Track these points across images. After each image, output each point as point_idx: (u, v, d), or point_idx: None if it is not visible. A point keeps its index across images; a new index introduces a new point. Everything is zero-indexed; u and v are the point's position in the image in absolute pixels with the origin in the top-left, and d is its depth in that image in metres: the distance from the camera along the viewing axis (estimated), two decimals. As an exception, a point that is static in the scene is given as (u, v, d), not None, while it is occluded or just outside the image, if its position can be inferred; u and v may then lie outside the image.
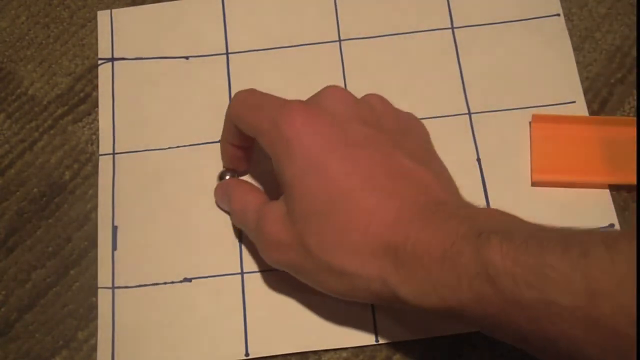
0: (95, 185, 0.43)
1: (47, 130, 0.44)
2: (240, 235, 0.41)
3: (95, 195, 0.43)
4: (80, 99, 0.45)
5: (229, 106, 0.39)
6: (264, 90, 0.44)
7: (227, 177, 0.41)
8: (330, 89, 0.36)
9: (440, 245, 0.30)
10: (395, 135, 0.35)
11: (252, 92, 0.38)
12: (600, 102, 0.44)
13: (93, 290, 0.40)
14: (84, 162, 0.43)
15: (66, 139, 0.44)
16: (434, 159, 0.37)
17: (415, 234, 0.31)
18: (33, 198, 0.43)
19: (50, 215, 0.42)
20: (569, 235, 0.28)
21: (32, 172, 0.43)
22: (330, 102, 0.35)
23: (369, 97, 0.38)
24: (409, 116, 0.39)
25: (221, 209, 0.41)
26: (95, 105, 0.45)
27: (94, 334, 0.39)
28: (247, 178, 0.42)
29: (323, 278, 0.34)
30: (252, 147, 0.40)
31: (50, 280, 0.41)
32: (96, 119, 0.44)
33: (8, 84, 0.46)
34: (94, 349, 0.39)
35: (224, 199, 0.41)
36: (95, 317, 0.40)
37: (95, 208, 0.42)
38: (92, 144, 0.44)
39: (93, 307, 0.40)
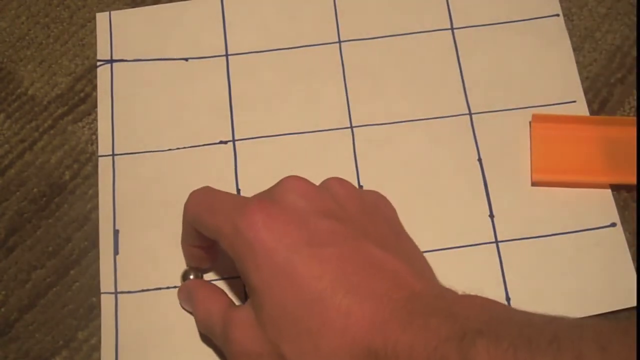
0: (95, 185, 0.43)
1: (47, 130, 0.44)
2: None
3: (95, 195, 0.43)
4: (80, 99, 0.45)
5: (185, 208, 0.37)
6: (264, 92, 0.44)
7: (191, 277, 0.40)
8: (287, 181, 0.34)
9: (423, 349, 0.28)
10: (362, 223, 0.34)
11: (207, 191, 0.37)
12: (600, 102, 0.44)
13: (93, 290, 0.40)
14: (84, 162, 0.43)
15: (66, 139, 0.44)
16: (404, 241, 0.36)
17: (395, 337, 0.29)
18: (33, 198, 0.43)
19: (50, 215, 0.42)
20: (559, 333, 0.27)
21: (32, 172, 0.43)
22: (287, 196, 0.34)
23: (329, 182, 0.36)
24: (374, 196, 0.37)
25: (187, 311, 0.40)
26: (95, 105, 0.45)
27: (94, 334, 0.39)
28: (209, 275, 0.41)
29: None
30: (214, 245, 0.38)
31: (50, 280, 0.41)
32: (96, 119, 0.44)
33: (8, 84, 0.46)
34: (94, 349, 0.39)
35: (187, 302, 0.39)
36: (95, 317, 0.40)
37: (95, 208, 0.42)
38: (92, 144, 0.44)
39: (93, 307, 0.40)
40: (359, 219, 0.34)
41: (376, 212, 0.36)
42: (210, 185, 0.42)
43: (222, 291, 0.38)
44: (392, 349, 0.29)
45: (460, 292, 0.32)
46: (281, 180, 0.35)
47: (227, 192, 0.37)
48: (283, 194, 0.34)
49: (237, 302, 0.38)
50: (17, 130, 0.44)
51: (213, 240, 0.36)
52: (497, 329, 0.28)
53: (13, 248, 0.42)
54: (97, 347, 0.39)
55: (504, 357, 0.26)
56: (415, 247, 0.36)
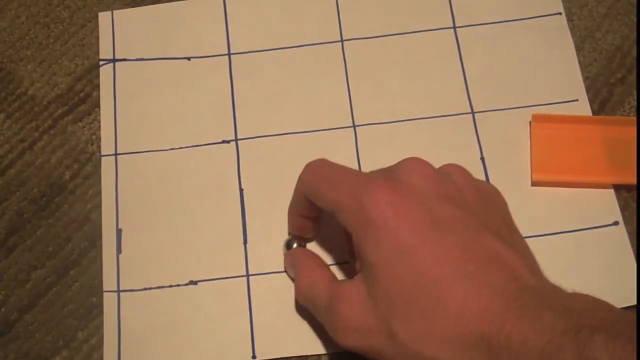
0: (95, 185, 0.43)
1: (47, 130, 0.44)
2: (245, 237, 0.41)
3: (95, 195, 0.42)
4: (80, 99, 0.45)
5: (300, 178, 0.37)
6: (267, 91, 0.44)
7: (295, 245, 0.40)
8: (410, 162, 0.35)
9: (538, 339, 0.29)
10: (480, 213, 0.34)
11: (324, 163, 0.37)
12: (600, 102, 0.44)
13: (93, 290, 0.40)
14: (84, 162, 0.43)
15: (66, 139, 0.44)
16: (516, 234, 0.36)
17: (510, 325, 0.29)
18: (33, 198, 0.42)
19: (50, 215, 0.42)
20: None
21: (32, 172, 0.43)
22: (411, 177, 0.34)
23: (449, 168, 0.36)
24: (489, 187, 0.37)
25: (290, 278, 0.40)
26: (95, 105, 0.45)
27: (94, 334, 0.39)
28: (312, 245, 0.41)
29: None
30: (321, 216, 0.39)
31: (50, 280, 0.41)
32: (96, 119, 0.44)
33: (8, 84, 0.45)
34: (94, 349, 0.39)
35: (292, 269, 0.39)
36: (95, 317, 0.40)
37: (95, 208, 0.42)
38: (92, 144, 0.44)
39: (93, 307, 0.40)
40: (478, 209, 0.34)
41: (492, 203, 0.36)
42: (213, 184, 0.42)
43: (327, 265, 0.38)
44: (506, 338, 0.29)
45: (570, 291, 0.32)
46: (403, 161, 0.35)
47: (345, 167, 0.37)
48: (407, 175, 0.34)
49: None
50: (17, 130, 0.44)
51: (321, 212, 0.37)
52: (614, 325, 0.28)
53: (13, 248, 0.41)
54: (97, 347, 0.39)
55: (622, 352, 0.27)
56: (525, 242, 0.36)
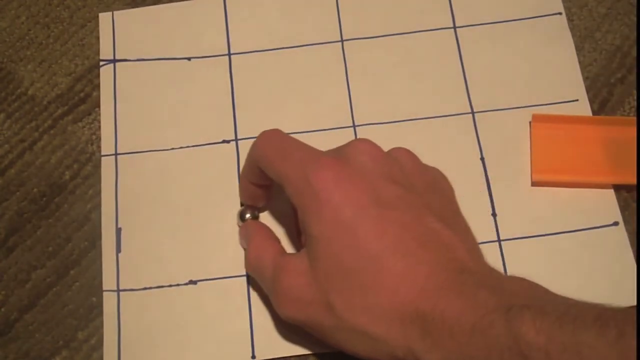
0: (95, 185, 0.43)
1: (47, 130, 0.44)
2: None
3: (95, 195, 0.42)
4: (80, 99, 0.45)
5: (254, 145, 0.38)
6: (267, 91, 0.44)
7: (248, 216, 0.40)
8: (359, 143, 0.36)
9: (471, 316, 0.30)
10: (424, 195, 0.35)
11: (278, 134, 0.38)
12: (600, 102, 0.44)
13: (93, 290, 0.40)
14: (84, 162, 0.43)
15: (66, 139, 0.44)
16: (459, 218, 0.37)
17: (444, 303, 0.31)
18: (33, 198, 0.42)
19: (50, 215, 0.42)
20: (603, 314, 0.28)
21: (32, 172, 0.43)
22: (360, 157, 0.35)
23: (397, 151, 0.37)
24: (436, 172, 0.38)
25: (244, 249, 0.40)
26: (95, 105, 0.45)
27: (94, 334, 0.39)
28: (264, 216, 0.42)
29: (342, 337, 0.34)
30: (272, 185, 0.39)
31: (50, 280, 0.41)
32: (96, 119, 0.44)
33: (8, 84, 0.45)
34: (94, 349, 0.39)
35: (244, 241, 0.40)
36: (95, 317, 0.40)
37: (95, 208, 0.42)
38: (92, 144, 0.44)
39: (93, 307, 0.40)
40: (422, 191, 0.35)
41: (438, 187, 0.37)
42: (213, 184, 0.42)
43: (277, 238, 0.39)
44: (440, 314, 0.30)
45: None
46: (353, 141, 0.36)
47: (299, 140, 0.37)
48: (355, 155, 0.35)
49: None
50: (17, 130, 0.44)
51: (271, 180, 0.37)
52: (544, 305, 0.29)
53: (13, 248, 0.41)
54: (97, 347, 0.39)
55: (549, 328, 0.28)
56: (468, 228, 0.37)
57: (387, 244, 0.32)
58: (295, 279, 0.34)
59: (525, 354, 0.28)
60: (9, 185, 0.43)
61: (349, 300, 0.33)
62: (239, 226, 0.41)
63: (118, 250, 0.41)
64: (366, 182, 0.34)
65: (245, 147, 0.43)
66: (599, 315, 0.28)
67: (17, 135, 0.44)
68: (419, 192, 0.35)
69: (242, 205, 0.41)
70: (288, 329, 0.38)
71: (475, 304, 0.30)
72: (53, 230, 0.42)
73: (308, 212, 0.34)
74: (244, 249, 0.40)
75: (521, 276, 0.33)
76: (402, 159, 0.36)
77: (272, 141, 0.37)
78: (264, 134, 0.38)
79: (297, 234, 0.40)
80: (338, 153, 0.35)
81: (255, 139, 0.38)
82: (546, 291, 0.32)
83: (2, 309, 0.40)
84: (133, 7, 0.47)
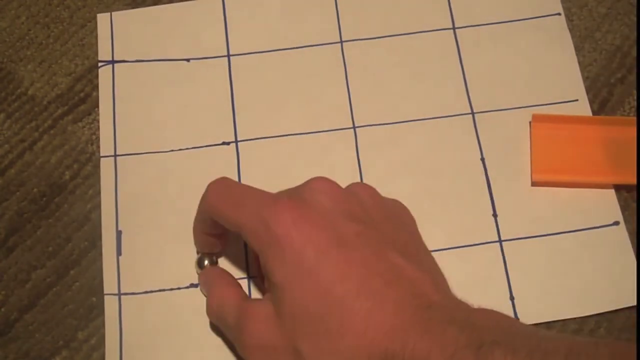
0: (95, 185, 0.43)
1: (47, 130, 0.44)
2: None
3: (95, 195, 0.42)
4: (80, 99, 0.45)
5: (203, 198, 0.37)
6: (266, 93, 0.44)
7: (206, 263, 0.40)
8: (315, 182, 0.35)
9: (440, 355, 0.29)
10: (386, 229, 0.35)
11: (226, 183, 0.37)
12: (600, 102, 0.44)
13: (93, 290, 0.40)
14: (84, 162, 0.43)
15: (66, 139, 0.44)
16: (422, 251, 0.36)
17: (413, 342, 0.30)
18: (33, 198, 0.42)
19: (50, 215, 0.42)
20: (574, 348, 0.27)
21: (32, 172, 0.43)
22: (317, 196, 0.34)
23: (355, 187, 0.36)
24: (395, 204, 0.38)
25: (205, 296, 0.40)
26: (95, 105, 0.45)
27: (94, 334, 0.39)
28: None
29: None
30: (227, 232, 0.39)
31: (50, 280, 0.41)
32: (96, 119, 0.44)
33: (8, 84, 0.45)
34: (94, 349, 0.39)
35: (205, 288, 0.39)
36: (95, 317, 0.40)
37: (95, 208, 0.42)
38: (92, 144, 0.44)
39: (93, 307, 0.40)
40: (383, 226, 0.35)
41: (398, 221, 0.36)
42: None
43: (238, 283, 0.38)
44: (410, 353, 0.30)
45: (475, 306, 0.33)
46: (309, 181, 0.35)
47: (249, 186, 0.37)
48: (312, 194, 0.34)
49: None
50: (17, 130, 0.44)
51: (225, 229, 0.37)
52: (514, 340, 0.28)
53: (13, 248, 0.41)
54: (97, 347, 0.39)
55: None
56: (432, 259, 0.36)
57: (351, 287, 0.32)
58: (260, 325, 0.33)
59: None
60: (9, 185, 0.43)
61: (316, 345, 0.32)
62: (197, 273, 0.40)
63: (119, 253, 0.41)
64: (326, 222, 0.33)
65: (245, 149, 0.43)
66: (570, 351, 0.27)
67: (17, 135, 0.44)
68: (379, 227, 0.34)
69: (198, 253, 0.41)
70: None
71: (444, 342, 0.29)
72: (53, 230, 0.42)
73: (270, 258, 0.33)
74: (205, 296, 0.39)
75: (488, 308, 0.32)
76: (361, 194, 0.36)
77: (222, 191, 0.37)
78: (212, 185, 0.37)
79: (260, 278, 0.39)
80: (295, 194, 0.35)
81: (204, 193, 0.37)
82: (514, 322, 0.31)
83: (2, 309, 0.40)
84: (133, 8, 0.47)
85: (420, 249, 0.36)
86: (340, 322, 0.31)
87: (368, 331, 0.31)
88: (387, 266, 0.33)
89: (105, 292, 0.40)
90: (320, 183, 0.35)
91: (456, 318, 0.31)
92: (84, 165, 0.43)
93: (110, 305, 0.40)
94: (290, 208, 0.33)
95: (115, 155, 0.43)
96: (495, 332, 0.30)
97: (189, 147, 0.43)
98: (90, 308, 0.40)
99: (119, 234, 0.41)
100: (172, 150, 0.43)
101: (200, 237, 0.40)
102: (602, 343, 0.28)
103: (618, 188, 0.42)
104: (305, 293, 0.32)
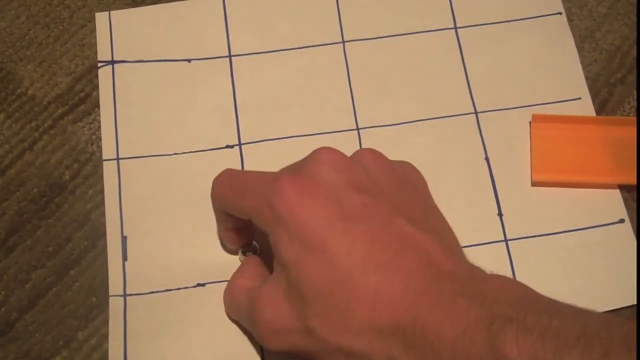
0: (95, 185, 0.42)
1: (47, 130, 0.44)
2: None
3: (95, 195, 0.42)
4: (80, 99, 0.45)
5: (213, 195, 0.37)
6: (268, 94, 0.44)
7: (249, 255, 0.40)
8: (318, 154, 0.34)
9: (451, 330, 0.29)
10: (393, 197, 0.34)
11: (231, 174, 0.37)
12: (600, 102, 0.44)
13: (93, 290, 0.40)
14: (84, 162, 0.43)
15: (66, 139, 0.44)
16: (434, 216, 0.36)
17: (423, 315, 0.30)
18: (33, 198, 0.42)
19: (50, 215, 0.42)
20: (587, 330, 0.27)
21: (32, 172, 0.43)
22: (320, 169, 0.34)
23: (361, 154, 0.36)
24: (404, 166, 0.37)
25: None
26: (95, 105, 0.45)
27: (94, 334, 0.39)
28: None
29: (332, 358, 0.32)
30: (245, 223, 0.38)
31: (50, 280, 0.40)
32: (96, 119, 0.44)
33: (8, 84, 0.45)
34: (94, 349, 0.39)
35: None
36: (96, 317, 0.39)
37: (95, 208, 0.42)
38: (92, 144, 0.44)
39: (93, 307, 0.40)
40: (390, 193, 0.34)
41: (407, 184, 0.36)
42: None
43: (252, 269, 0.38)
44: (420, 327, 0.29)
45: (488, 272, 0.32)
46: (312, 153, 0.35)
47: (251, 171, 0.37)
48: (315, 167, 0.34)
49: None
50: (17, 130, 0.44)
51: (242, 221, 0.37)
52: (527, 316, 0.28)
53: (13, 248, 0.41)
54: (97, 347, 0.39)
55: (532, 347, 0.27)
56: (444, 221, 0.36)
57: (358, 259, 0.31)
58: (271, 309, 0.33)
59: None
60: (9, 185, 0.43)
61: (327, 322, 0.32)
62: (240, 261, 0.40)
63: (124, 258, 0.40)
64: (330, 195, 0.33)
65: (249, 152, 0.43)
66: (582, 332, 0.27)
67: (17, 135, 0.44)
68: (386, 195, 0.34)
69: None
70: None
71: (455, 316, 0.29)
72: (53, 230, 0.41)
73: (277, 238, 0.33)
74: None
75: (502, 274, 0.32)
76: (367, 161, 0.35)
77: (226, 182, 0.37)
78: (217, 180, 0.37)
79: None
80: (298, 168, 0.34)
81: (211, 190, 0.37)
82: (527, 291, 0.31)
83: (2, 309, 0.40)
84: (133, 7, 0.47)
85: (431, 212, 0.36)
86: (349, 297, 0.31)
87: (377, 305, 0.31)
88: (395, 236, 0.32)
89: (110, 294, 0.39)
90: (324, 154, 0.34)
91: (467, 287, 0.30)
92: (84, 165, 0.43)
93: (115, 306, 0.39)
94: (292, 184, 0.33)
95: (117, 159, 0.43)
96: (507, 304, 0.29)
97: (192, 150, 0.43)
98: (90, 308, 0.40)
99: (124, 239, 0.41)
100: (176, 154, 0.43)
101: (225, 234, 0.39)
102: (614, 324, 0.27)
103: (619, 188, 0.42)
104: (312, 269, 0.32)
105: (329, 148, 0.35)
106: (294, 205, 0.32)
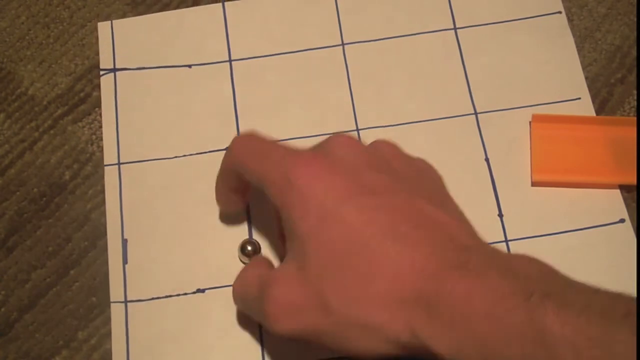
0: (95, 185, 0.42)
1: (47, 130, 0.44)
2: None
3: (95, 195, 0.42)
4: (80, 99, 0.45)
5: (230, 149, 0.37)
6: (269, 97, 0.44)
7: (249, 249, 0.40)
8: (337, 138, 0.34)
9: (484, 299, 0.28)
10: (410, 181, 0.34)
11: (254, 137, 0.36)
12: (600, 102, 0.44)
13: (93, 290, 0.40)
14: (84, 162, 0.43)
15: (66, 139, 0.44)
16: (451, 203, 0.35)
17: (451, 284, 0.28)
18: (33, 198, 0.42)
19: (50, 215, 0.42)
20: (632, 309, 0.26)
21: (32, 172, 0.43)
22: (339, 150, 0.33)
23: (378, 143, 0.36)
24: (421, 161, 0.37)
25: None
26: (95, 105, 0.45)
27: (93, 334, 0.39)
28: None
29: (346, 335, 0.31)
30: (249, 189, 0.39)
31: (50, 280, 0.40)
32: (96, 119, 0.44)
33: (8, 84, 0.45)
34: (94, 349, 0.39)
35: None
36: (96, 317, 0.40)
37: (95, 208, 0.42)
38: (92, 144, 0.44)
39: (93, 307, 0.40)
40: (408, 178, 0.34)
41: (423, 174, 0.36)
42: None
43: (261, 262, 0.37)
44: (447, 296, 0.28)
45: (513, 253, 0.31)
46: (331, 137, 0.34)
47: (274, 141, 0.36)
48: (335, 149, 0.34)
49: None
50: (17, 130, 0.44)
51: (249, 185, 0.36)
52: (564, 293, 0.27)
53: (13, 248, 0.41)
54: (97, 347, 0.39)
55: (576, 321, 0.26)
56: (460, 210, 0.35)
57: (377, 229, 0.30)
58: (282, 287, 0.32)
59: (550, 347, 0.26)
60: (9, 185, 0.43)
61: (345, 294, 0.31)
62: (240, 260, 0.40)
63: (125, 262, 0.40)
64: (349, 173, 0.32)
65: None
66: (628, 311, 0.26)
67: (17, 135, 0.44)
68: (404, 179, 0.33)
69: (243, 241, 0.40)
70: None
71: (486, 287, 0.28)
72: (53, 230, 0.42)
73: (292, 211, 0.32)
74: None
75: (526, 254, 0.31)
76: (383, 149, 0.35)
77: (248, 144, 0.36)
78: (240, 137, 0.37)
79: (281, 240, 0.38)
80: (318, 149, 0.34)
81: (230, 144, 0.37)
82: (556, 272, 0.30)
83: (2, 309, 0.40)
84: (132, 7, 0.47)
85: (448, 200, 0.35)
86: (368, 266, 0.30)
87: (399, 274, 0.30)
88: (415, 212, 0.31)
89: (111, 300, 0.40)
90: (343, 138, 0.34)
91: (495, 263, 0.29)
92: (84, 165, 0.43)
93: (116, 312, 0.39)
94: (312, 160, 0.33)
95: (119, 164, 0.43)
96: (541, 281, 0.28)
97: (193, 153, 0.43)
98: (90, 308, 0.40)
99: (124, 242, 0.41)
100: (176, 157, 0.43)
101: (223, 195, 0.39)
102: None
103: (619, 188, 0.42)
104: (329, 241, 0.31)
105: (347, 135, 0.35)
106: (313, 179, 0.32)
